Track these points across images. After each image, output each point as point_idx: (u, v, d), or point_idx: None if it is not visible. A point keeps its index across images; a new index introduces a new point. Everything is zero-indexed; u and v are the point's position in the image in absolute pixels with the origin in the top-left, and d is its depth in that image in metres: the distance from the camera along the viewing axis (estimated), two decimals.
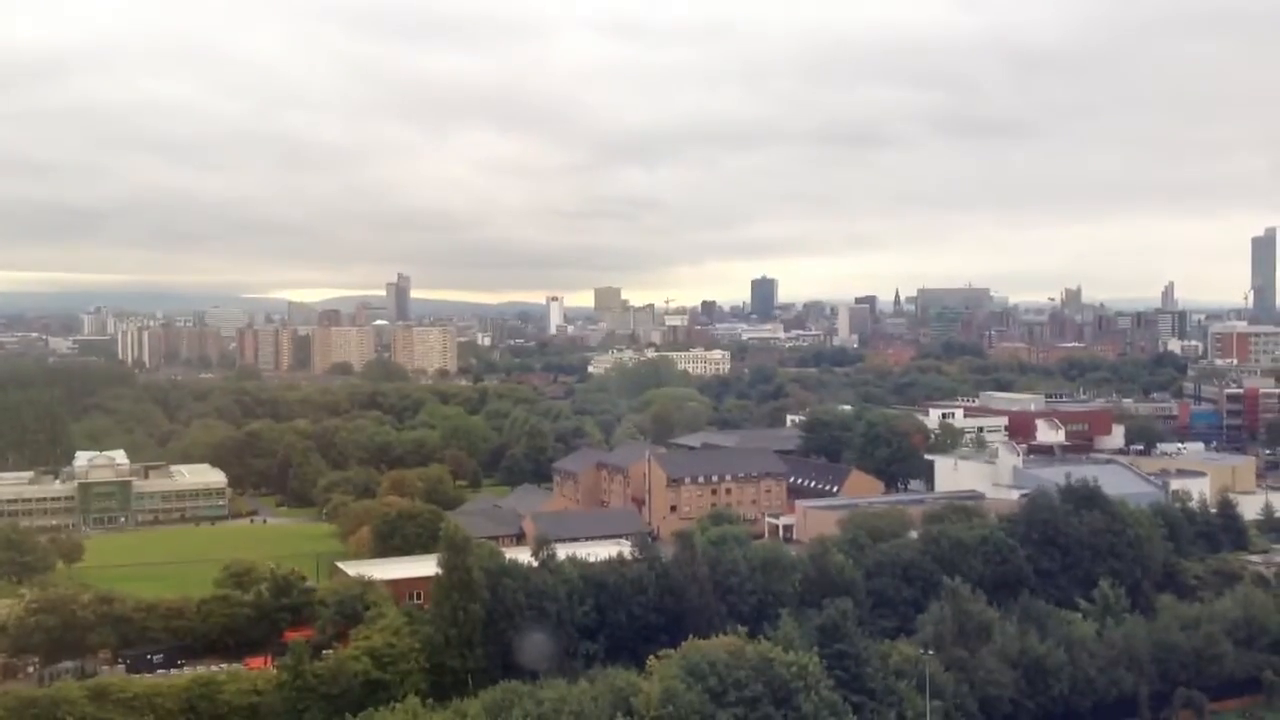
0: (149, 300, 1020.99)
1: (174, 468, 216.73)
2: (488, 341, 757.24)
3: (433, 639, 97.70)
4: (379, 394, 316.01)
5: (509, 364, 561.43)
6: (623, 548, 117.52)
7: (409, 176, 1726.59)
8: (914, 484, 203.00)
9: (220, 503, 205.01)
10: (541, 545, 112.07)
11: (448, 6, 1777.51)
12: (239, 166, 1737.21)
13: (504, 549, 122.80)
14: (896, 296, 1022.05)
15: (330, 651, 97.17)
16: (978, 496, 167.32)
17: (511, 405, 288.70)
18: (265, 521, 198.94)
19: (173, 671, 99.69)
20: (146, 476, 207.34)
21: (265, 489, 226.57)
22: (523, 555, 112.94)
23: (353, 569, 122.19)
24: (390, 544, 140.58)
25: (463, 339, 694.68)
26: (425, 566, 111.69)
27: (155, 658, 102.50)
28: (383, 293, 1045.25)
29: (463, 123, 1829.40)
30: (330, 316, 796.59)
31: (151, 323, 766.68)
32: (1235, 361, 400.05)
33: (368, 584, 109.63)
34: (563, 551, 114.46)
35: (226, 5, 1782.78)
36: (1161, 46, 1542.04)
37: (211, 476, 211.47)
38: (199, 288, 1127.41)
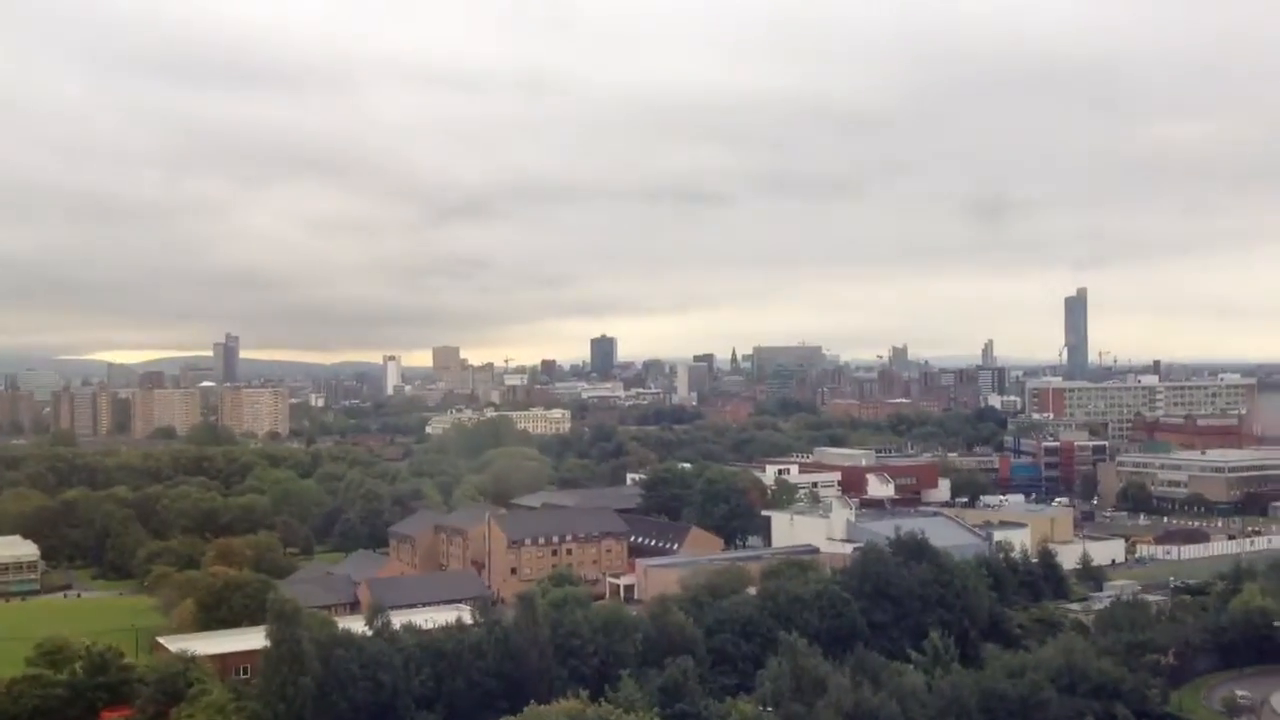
0: None
1: None
2: (321, 402, 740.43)
3: (261, 715, 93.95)
4: (205, 458, 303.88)
5: (344, 425, 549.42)
6: (462, 612, 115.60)
7: (232, 233, 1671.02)
8: (752, 540, 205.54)
9: (31, 576, 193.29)
10: (376, 613, 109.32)
11: (261, 56, 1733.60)
12: (47, 221, 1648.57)
13: (337, 618, 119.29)
14: (733, 355, 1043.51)
15: None
16: (813, 551, 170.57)
17: (346, 468, 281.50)
18: (80, 595, 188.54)
19: None
20: None
21: (81, 561, 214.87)
22: (357, 624, 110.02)
23: (175, 644, 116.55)
24: (216, 616, 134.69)
25: (295, 400, 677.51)
26: (253, 639, 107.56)
27: None
28: (210, 353, 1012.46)
29: (285, 177, 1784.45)
30: (153, 378, 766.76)
31: None
32: (1052, 416, 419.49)
33: (191, 659, 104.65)
34: (400, 618, 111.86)
35: (23, 52, 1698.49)
36: (976, 110, 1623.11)
37: (22, 549, 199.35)
38: (10, 349, 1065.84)
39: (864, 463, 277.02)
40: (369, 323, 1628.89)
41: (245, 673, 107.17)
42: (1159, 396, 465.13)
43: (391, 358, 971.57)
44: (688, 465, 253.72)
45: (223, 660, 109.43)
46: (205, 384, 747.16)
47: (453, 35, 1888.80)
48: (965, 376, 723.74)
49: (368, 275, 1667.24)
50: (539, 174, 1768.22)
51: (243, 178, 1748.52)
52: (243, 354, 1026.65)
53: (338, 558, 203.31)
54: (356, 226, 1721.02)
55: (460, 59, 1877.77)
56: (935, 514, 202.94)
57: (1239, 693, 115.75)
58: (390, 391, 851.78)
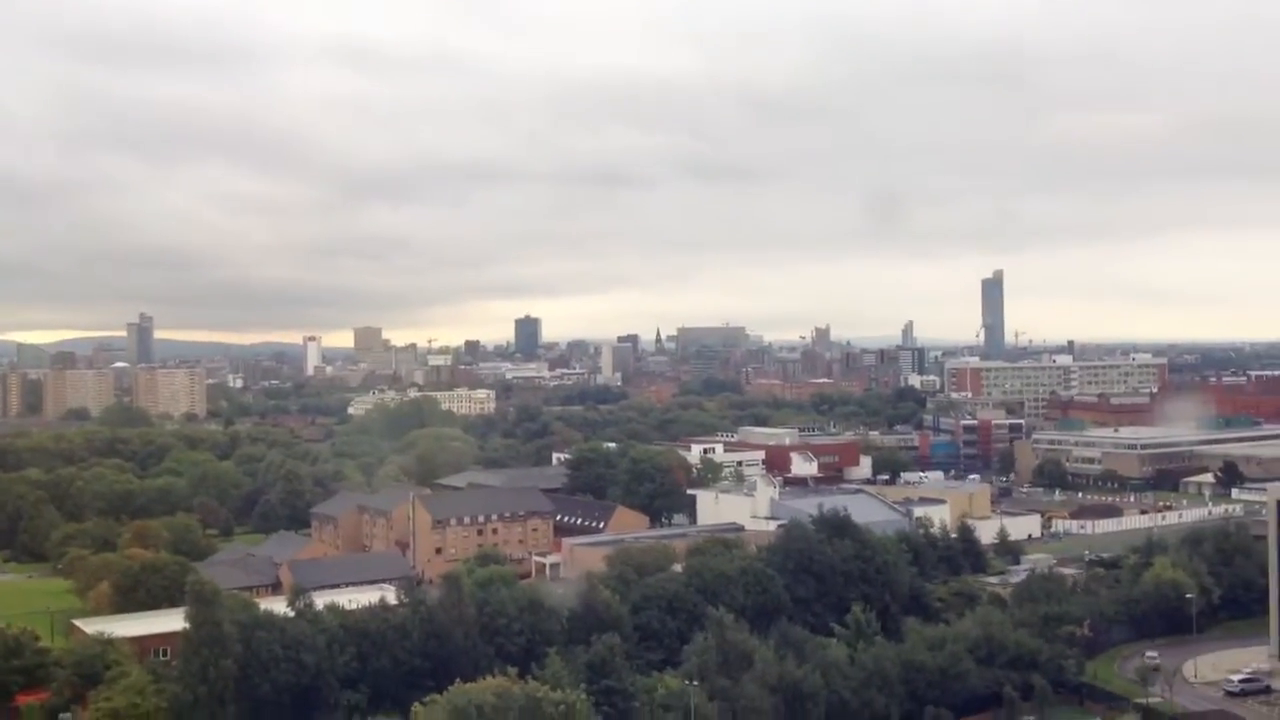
0: None
1: None
2: (240, 383, 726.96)
3: (180, 698, 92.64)
4: (119, 440, 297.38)
5: (263, 406, 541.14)
6: (386, 593, 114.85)
7: (142, 211, 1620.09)
8: (677, 518, 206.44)
9: None
10: (298, 594, 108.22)
11: (169, 32, 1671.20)
12: None
13: (259, 600, 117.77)
14: (658, 335, 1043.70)
15: (68, 715, 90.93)
16: (738, 528, 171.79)
17: (266, 449, 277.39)
18: None
19: None
20: None
21: None
22: (279, 606, 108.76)
23: (91, 626, 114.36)
24: (133, 599, 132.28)
25: (212, 381, 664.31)
26: (172, 621, 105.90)
27: None
28: (123, 334, 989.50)
29: (195, 155, 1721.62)
30: (64, 359, 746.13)
31: None
32: (970, 395, 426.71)
33: (108, 642, 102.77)
34: (322, 599, 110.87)
35: None
36: (895, 95, 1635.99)
37: None
38: None
39: (787, 441, 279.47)
40: (287, 303, 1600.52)
41: (164, 655, 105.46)
42: (1073, 376, 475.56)
43: (312, 338, 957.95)
44: (613, 445, 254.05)
45: (141, 642, 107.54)
46: (119, 365, 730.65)
47: (362, 15, 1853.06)
48: (886, 357, 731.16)
49: (284, 255, 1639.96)
50: (455, 155, 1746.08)
51: (152, 156, 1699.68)
52: (157, 334, 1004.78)
53: (258, 539, 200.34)
54: (270, 206, 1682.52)
55: (371, 39, 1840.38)
56: (857, 491, 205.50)
57: (1148, 653, 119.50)
58: (311, 372, 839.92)
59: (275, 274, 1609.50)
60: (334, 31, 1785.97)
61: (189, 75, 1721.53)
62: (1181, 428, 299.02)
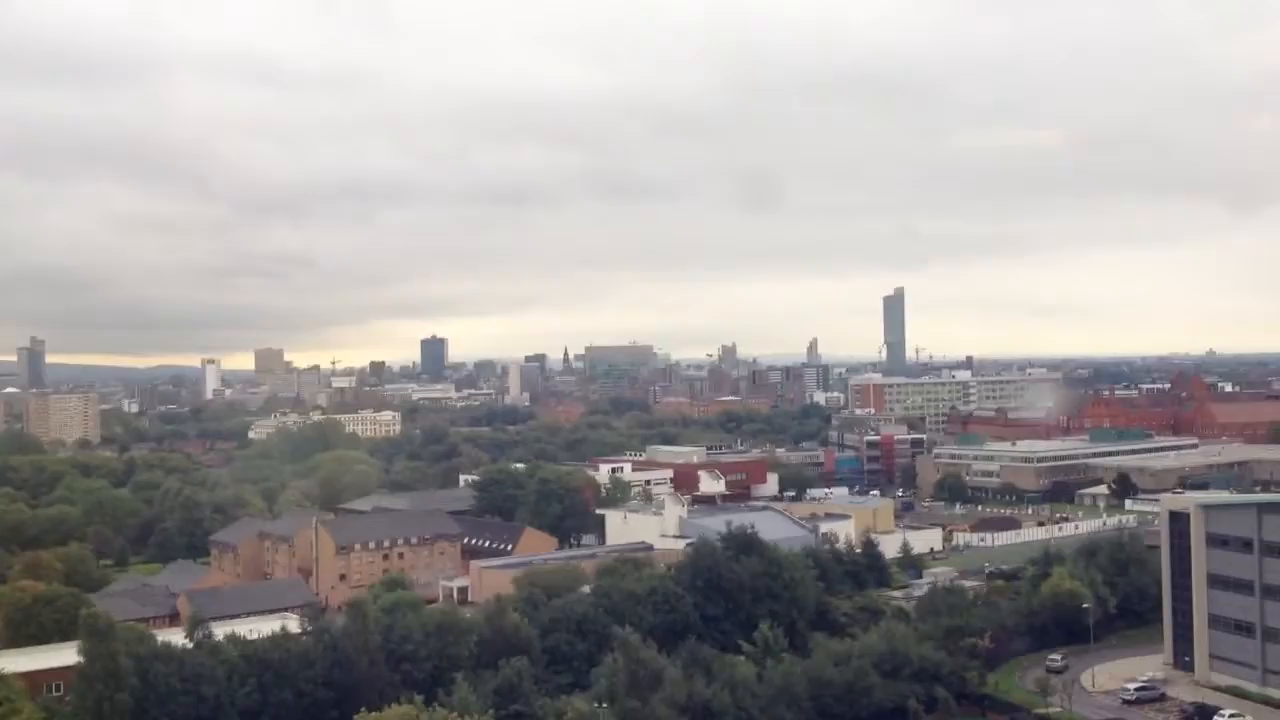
0: None
1: None
2: (136, 408, 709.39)
3: None
4: (10, 468, 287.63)
5: (160, 431, 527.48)
6: (288, 621, 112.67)
7: (28, 231, 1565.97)
8: (586, 538, 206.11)
9: None
10: (197, 625, 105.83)
11: (52, 46, 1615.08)
12: None
13: (156, 631, 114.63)
14: (566, 354, 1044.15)
15: None
16: (647, 548, 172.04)
17: (163, 475, 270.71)
18: None
19: None
20: None
21: None
22: (177, 637, 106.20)
23: None
24: (24, 632, 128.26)
25: (107, 406, 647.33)
26: (65, 655, 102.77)
27: None
28: (13, 358, 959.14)
29: (83, 174, 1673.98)
30: None
31: None
32: (873, 411, 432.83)
33: None
34: (222, 630, 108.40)
35: None
36: (798, 113, 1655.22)
37: None
38: None
39: (695, 460, 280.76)
40: (185, 325, 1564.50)
41: (57, 690, 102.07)
42: (972, 391, 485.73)
43: (210, 360, 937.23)
44: (521, 465, 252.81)
45: (32, 678, 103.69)
46: (9, 390, 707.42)
47: (262, 28, 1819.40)
48: (792, 374, 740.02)
49: (181, 276, 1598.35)
50: (359, 173, 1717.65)
51: (35, 173, 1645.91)
52: (50, 358, 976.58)
53: (155, 569, 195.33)
54: (163, 225, 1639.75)
55: (271, 53, 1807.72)
56: (764, 508, 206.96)
57: (1050, 657, 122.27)
58: (210, 395, 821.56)
59: (172, 295, 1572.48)
60: (231, 46, 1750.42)
61: (79, 89, 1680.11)
62: (1076, 441, 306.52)
